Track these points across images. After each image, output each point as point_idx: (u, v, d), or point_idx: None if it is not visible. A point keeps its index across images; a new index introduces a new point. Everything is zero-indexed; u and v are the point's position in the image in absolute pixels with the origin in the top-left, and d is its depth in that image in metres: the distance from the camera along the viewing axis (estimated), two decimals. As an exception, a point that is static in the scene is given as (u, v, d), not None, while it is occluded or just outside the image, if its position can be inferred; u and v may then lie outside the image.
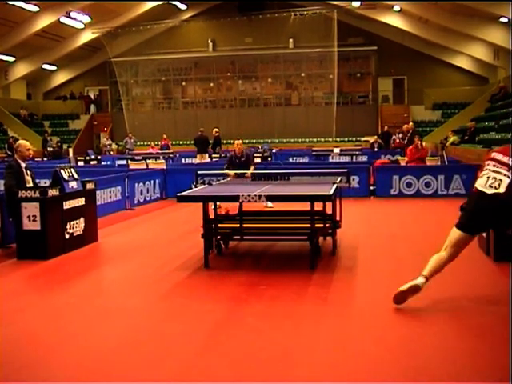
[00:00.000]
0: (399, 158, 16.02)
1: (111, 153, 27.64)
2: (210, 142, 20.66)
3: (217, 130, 21.07)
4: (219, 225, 6.86)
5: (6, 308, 5.01)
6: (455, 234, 4.85)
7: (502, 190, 4.69)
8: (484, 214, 4.79)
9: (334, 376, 3.49)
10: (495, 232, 6.15)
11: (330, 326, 4.40)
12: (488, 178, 4.79)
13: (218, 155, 19.54)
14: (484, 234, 6.46)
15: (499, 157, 4.86)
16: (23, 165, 7.57)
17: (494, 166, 4.83)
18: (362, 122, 29.42)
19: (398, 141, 22.80)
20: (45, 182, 10.03)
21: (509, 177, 4.71)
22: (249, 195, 5.90)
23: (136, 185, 12.16)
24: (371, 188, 12.86)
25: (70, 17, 26.33)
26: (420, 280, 4.70)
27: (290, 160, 19.99)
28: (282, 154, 22.12)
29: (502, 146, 5.11)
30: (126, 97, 32.28)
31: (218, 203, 7.20)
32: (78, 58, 32.74)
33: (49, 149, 26.13)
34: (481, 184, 4.81)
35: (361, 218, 9.90)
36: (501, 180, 4.72)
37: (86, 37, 29.74)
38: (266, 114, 31.15)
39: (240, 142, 11.48)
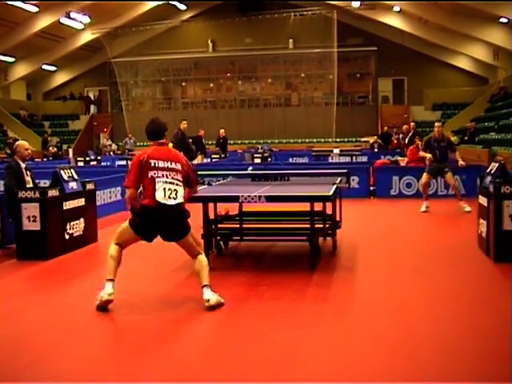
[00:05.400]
0: (399, 158, 16.03)
1: (111, 153, 27.60)
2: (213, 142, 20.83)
3: (223, 130, 21.15)
4: (219, 225, 6.86)
5: (6, 308, 5.01)
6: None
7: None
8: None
9: (334, 376, 3.49)
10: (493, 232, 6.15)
11: (329, 326, 4.40)
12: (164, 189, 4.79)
13: (218, 155, 19.52)
14: (484, 235, 6.46)
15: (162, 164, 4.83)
16: (23, 165, 7.57)
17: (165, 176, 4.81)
18: (361, 122, 29.40)
19: (395, 142, 22.81)
20: (45, 183, 10.02)
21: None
22: (249, 196, 5.91)
23: (136, 185, 12.12)
24: (371, 188, 12.86)
25: (69, 17, 26.28)
26: None
27: (290, 160, 19.98)
28: (281, 154, 22.09)
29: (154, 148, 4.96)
30: (126, 97, 32.25)
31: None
32: (78, 59, 32.71)
33: (50, 149, 26.10)
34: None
35: (361, 218, 9.90)
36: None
37: (86, 37, 29.72)
38: (265, 114, 31.13)
39: (439, 124, 10.79)
